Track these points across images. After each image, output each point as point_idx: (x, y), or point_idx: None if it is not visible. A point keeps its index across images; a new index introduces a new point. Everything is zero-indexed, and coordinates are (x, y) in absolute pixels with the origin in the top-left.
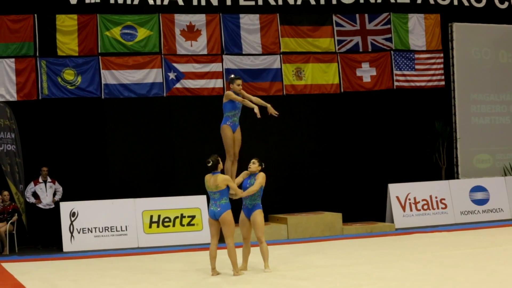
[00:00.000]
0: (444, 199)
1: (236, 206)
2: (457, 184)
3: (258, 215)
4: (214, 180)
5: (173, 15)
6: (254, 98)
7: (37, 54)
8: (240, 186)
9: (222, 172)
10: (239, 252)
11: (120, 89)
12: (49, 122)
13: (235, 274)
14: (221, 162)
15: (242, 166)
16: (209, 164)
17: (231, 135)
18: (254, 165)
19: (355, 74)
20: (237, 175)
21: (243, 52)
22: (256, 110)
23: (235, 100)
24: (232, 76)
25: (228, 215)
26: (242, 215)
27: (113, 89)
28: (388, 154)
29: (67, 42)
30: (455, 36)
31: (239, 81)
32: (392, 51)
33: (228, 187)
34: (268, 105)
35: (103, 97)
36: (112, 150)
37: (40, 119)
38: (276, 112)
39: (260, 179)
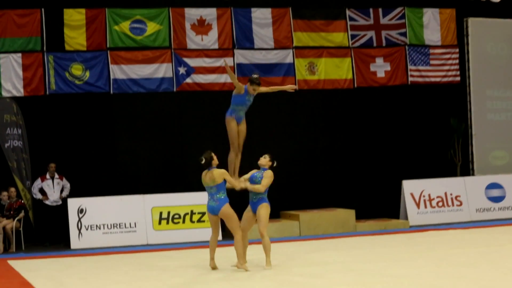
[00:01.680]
0: (459, 196)
1: (235, 201)
2: (473, 181)
3: (263, 208)
4: (211, 175)
5: (183, 9)
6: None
7: (45, 49)
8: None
9: (225, 164)
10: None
11: (129, 84)
12: (57, 117)
13: (238, 266)
14: (215, 158)
15: (250, 159)
16: (202, 162)
17: (235, 127)
18: (264, 160)
19: (369, 69)
20: (241, 167)
21: (255, 47)
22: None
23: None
24: (255, 76)
25: (227, 208)
26: (248, 209)
27: (122, 84)
28: (402, 150)
29: (75, 37)
30: (471, 31)
31: (256, 87)
32: (406, 46)
33: (225, 181)
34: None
35: (111, 92)
36: (120, 145)
37: (47, 114)
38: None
39: (267, 179)
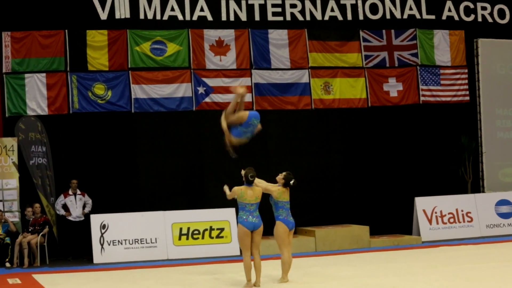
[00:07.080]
0: (470, 212)
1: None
2: (483, 197)
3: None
4: (253, 192)
5: (202, 30)
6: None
7: (68, 69)
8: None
9: (237, 175)
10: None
11: (150, 103)
12: (80, 135)
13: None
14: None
15: (267, 176)
16: (252, 179)
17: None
18: (279, 177)
19: (382, 89)
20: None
21: (272, 67)
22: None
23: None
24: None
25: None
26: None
27: (143, 103)
28: (414, 168)
29: (98, 57)
30: (480, 51)
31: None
32: (418, 67)
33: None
34: None
35: (133, 111)
36: (141, 163)
37: (71, 132)
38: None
39: (264, 184)
